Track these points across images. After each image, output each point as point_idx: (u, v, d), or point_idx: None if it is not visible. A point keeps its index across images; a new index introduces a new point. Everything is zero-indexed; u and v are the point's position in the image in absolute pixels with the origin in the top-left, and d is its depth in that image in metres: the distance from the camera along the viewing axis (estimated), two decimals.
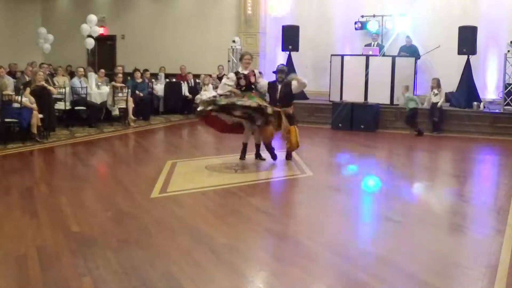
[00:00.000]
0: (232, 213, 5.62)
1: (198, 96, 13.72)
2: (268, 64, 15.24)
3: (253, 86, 7.76)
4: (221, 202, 5.97)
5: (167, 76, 14.88)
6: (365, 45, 13.36)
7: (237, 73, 7.75)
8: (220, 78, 14.37)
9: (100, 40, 16.20)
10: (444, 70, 13.07)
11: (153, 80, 14.12)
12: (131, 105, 11.91)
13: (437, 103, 11.27)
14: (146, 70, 13.78)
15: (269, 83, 7.91)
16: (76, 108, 11.48)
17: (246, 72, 7.71)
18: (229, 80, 7.73)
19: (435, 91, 11.37)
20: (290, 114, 7.77)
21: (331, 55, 13.07)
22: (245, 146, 7.96)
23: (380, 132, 11.48)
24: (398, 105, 11.89)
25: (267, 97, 7.95)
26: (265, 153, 7.97)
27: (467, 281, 3.89)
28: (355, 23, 13.93)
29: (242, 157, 7.95)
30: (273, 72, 8.16)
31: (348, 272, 4.02)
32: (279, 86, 7.82)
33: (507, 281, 3.81)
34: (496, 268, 4.03)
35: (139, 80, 13.05)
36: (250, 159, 7.96)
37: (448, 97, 12.62)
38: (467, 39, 11.70)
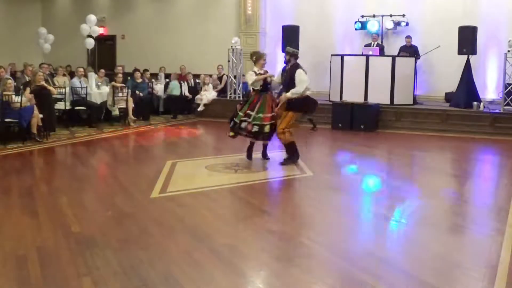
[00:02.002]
0: (232, 213, 5.63)
1: (198, 96, 13.74)
2: (268, 64, 15.20)
3: (268, 86, 7.82)
4: (221, 202, 5.97)
5: (167, 76, 14.89)
6: (365, 45, 13.37)
7: (254, 73, 7.76)
8: (220, 78, 14.40)
9: (100, 40, 16.20)
10: (444, 70, 13.11)
11: (153, 80, 14.13)
12: (131, 105, 11.91)
13: None
14: (146, 70, 13.79)
15: (282, 70, 7.86)
16: (76, 108, 11.49)
17: (262, 72, 7.77)
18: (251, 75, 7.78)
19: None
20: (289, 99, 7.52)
21: (331, 55, 13.07)
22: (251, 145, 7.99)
23: (380, 132, 11.48)
24: (397, 105, 11.91)
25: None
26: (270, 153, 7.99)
27: (467, 281, 3.89)
28: (355, 23, 13.95)
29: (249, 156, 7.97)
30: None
31: (348, 272, 4.02)
32: (287, 69, 7.69)
33: (507, 281, 3.81)
34: (496, 268, 4.03)
35: (139, 80, 13.05)
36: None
37: (448, 97, 12.65)
38: (467, 39, 11.70)
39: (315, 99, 7.87)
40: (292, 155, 7.74)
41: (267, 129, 7.59)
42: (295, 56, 7.73)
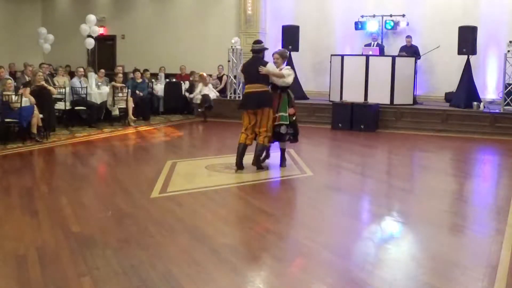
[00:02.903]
0: (232, 213, 5.63)
1: (198, 96, 13.68)
2: None
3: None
4: (221, 202, 5.97)
5: (167, 76, 14.89)
6: (365, 45, 13.38)
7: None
8: (220, 78, 14.39)
9: (100, 40, 16.20)
10: (444, 70, 13.12)
11: (153, 80, 14.12)
12: (131, 105, 11.91)
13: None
14: (146, 70, 13.79)
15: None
16: (76, 108, 11.48)
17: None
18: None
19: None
20: None
21: (331, 55, 13.06)
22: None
23: (380, 132, 11.48)
24: (398, 105, 11.91)
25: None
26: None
27: (467, 281, 3.89)
28: (355, 23, 13.96)
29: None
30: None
31: (348, 272, 4.02)
32: None
33: (507, 281, 3.81)
34: (496, 268, 4.03)
35: (139, 80, 13.05)
36: (249, 159, 7.94)
37: (448, 97, 12.65)
38: (467, 39, 11.70)
39: (249, 98, 7.27)
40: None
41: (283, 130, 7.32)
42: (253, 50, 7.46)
